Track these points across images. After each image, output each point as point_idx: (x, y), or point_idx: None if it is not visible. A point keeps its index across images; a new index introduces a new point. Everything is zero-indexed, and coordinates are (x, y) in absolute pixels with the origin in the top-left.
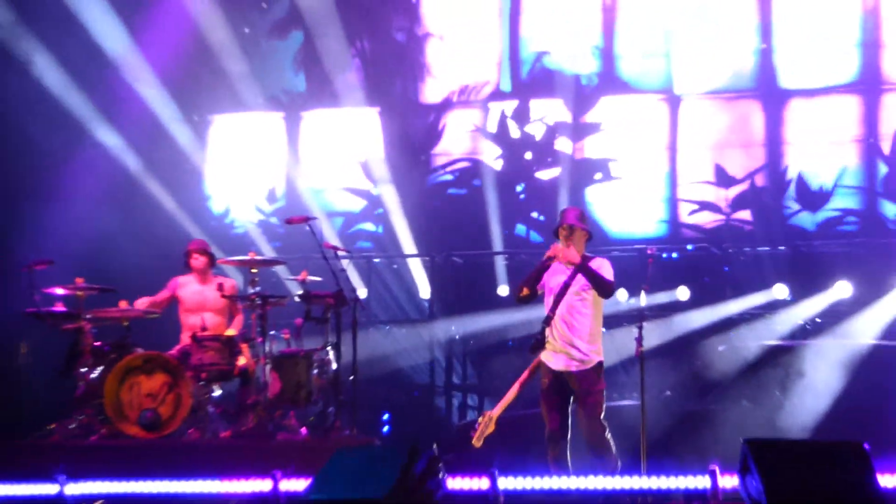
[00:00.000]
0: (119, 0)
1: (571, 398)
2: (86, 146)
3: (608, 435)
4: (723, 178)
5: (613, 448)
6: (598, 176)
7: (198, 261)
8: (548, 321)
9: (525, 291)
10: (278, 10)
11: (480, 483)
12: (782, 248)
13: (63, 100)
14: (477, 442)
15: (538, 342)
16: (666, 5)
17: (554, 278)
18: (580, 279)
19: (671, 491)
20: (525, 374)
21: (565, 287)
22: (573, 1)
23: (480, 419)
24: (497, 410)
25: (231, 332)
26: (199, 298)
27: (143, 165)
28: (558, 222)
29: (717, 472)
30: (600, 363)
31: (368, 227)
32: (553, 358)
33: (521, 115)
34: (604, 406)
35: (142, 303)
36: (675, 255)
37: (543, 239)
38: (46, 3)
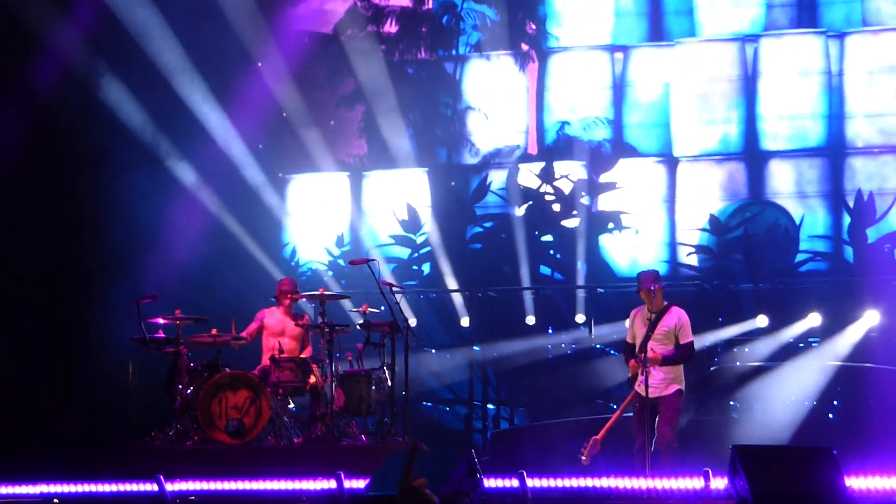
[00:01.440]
0: (211, 76)
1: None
2: (184, 200)
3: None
4: (715, 227)
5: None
6: (610, 226)
7: (288, 298)
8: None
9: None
10: (345, 87)
11: (511, 482)
12: (763, 284)
13: (166, 162)
14: (585, 460)
15: (632, 378)
16: (665, 83)
17: (639, 330)
18: (659, 330)
19: (671, 490)
20: (624, 403)
21: (646, 338)
22: (589, 80)
23: (587, 443)
24: (600, 434)
25: (303, 355)
26: (281, 325)
27: (233, 217)
28: (638, 286)
29: (710, 473)
30: (679, 390)
31: (418, 267)
32: (642, 387)
33: (546, 175)
34: (678, 420)
35: (243, 339)
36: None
37: (563, 277)
38: (152, 74)
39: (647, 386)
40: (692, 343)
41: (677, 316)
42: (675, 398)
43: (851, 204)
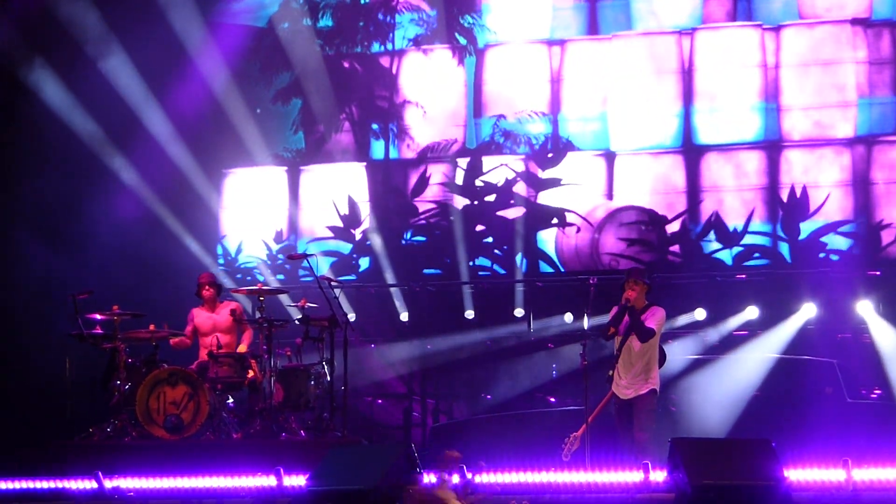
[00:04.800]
0: (147, 70)
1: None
2: (121, 195)
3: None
4: (652, 220)
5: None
6: (553, 221)
7: (208, 291)
8: (617, 358)
9: (612, 331)
10: (281, 81)
11: (452, 478)
12: (702, 278)
13: (101, 155)
14: (566, 457)
15: (610, 377)
16: (603, 77)
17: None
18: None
19: (610, 483)
20: (603, 401)
21: (625, 338)
22: (526, 73)
23: (567, 439)
24: (579, 431)
25: (242, 348)
26: (210, 322)
27: (170, 211)
28: (626, 277)
29: (650, 466)
30: (653, 390)
31: (357, 261)
32: (619, 388)
33: (482, 168)
34: (653, 422)
35: (185, 342)
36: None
37: (504, 271)
38: (88, 68)
39: (622, 387)
40: (652, 330)
41: (654, 313)
42: (648, 399)
43: (785, 198)
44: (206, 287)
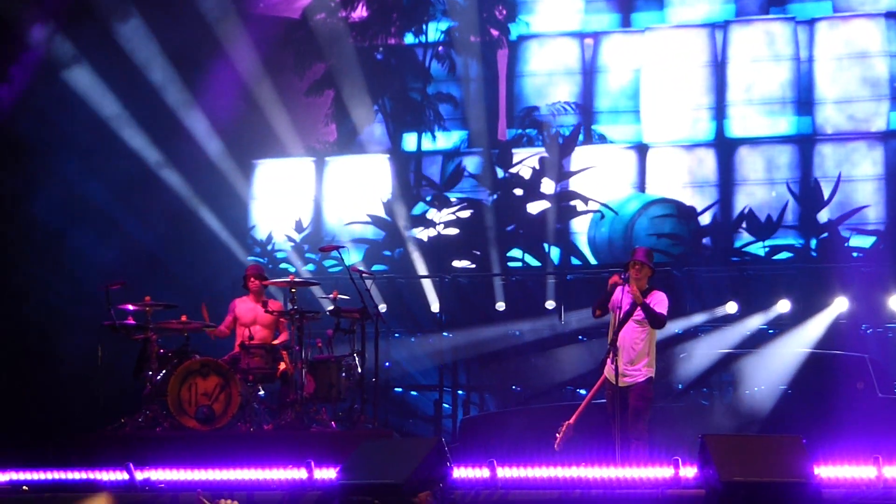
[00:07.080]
0: (180, 61)
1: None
2: (155, 186)
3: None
4: (683, 213)
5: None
6: (581, 207)
7: (255, 283)
8: (613, 343)
9: (598, 313)
10: (314, 73)
11: (482, 472)
12: (732, 271)
13: (137, 150)
14: (558, 447)
15: (604, 362)
16: (636, 70)
17: (618, 303)
18: (638, 313)
19: (641, 479)
20: (594, 388)
21: (625, 319)
22: (559, 66)
23: (561, 428)
24: (573, 419)
25: (277, 342)
26: (252, 314)
27: (201, 202)
28: (630, 258)
29: (680, 462)
30: (650, 378)
31: (388, 253)
32: (612, 373)
33: (514, 160)
34: (649, 410)
35: (222, 331)
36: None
37: (540, 263)
38: (126, 67)
39: (617, 374)
40: (664, 316)
41: (659, 298)
42: (645, 386)
43: (812, 191)
44: (252, 279)
